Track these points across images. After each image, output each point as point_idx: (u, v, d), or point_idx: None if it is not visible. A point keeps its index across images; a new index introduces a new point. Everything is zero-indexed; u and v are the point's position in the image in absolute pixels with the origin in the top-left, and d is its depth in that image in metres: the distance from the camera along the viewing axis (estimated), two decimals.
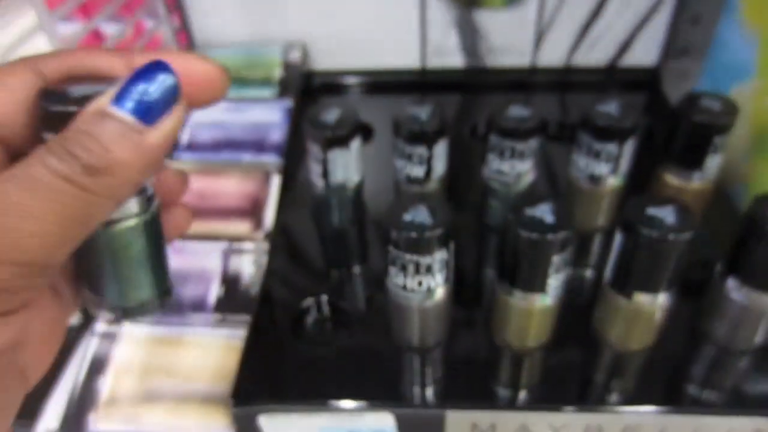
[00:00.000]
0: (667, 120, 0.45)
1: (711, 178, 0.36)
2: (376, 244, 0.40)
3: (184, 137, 0.47)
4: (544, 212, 0.27)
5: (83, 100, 0.15)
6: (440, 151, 0.36)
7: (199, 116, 0.48)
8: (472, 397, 0.30)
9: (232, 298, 0.38)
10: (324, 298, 0.36)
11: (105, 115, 0.15)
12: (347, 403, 0.30)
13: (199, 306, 0.38)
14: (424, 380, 0.31)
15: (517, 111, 0.35)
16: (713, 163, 0.35)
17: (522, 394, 0.31)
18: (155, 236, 0.19)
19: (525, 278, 0.29)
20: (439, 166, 0.37)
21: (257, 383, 0.31)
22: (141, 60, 0.16)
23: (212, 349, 0.36)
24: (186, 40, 0.54)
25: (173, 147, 0.15)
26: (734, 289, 0.30)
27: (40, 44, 0.36)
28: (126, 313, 0.19)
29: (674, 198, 0.28)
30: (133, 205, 0.17)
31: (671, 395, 0.30)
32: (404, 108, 0.36)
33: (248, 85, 0.49)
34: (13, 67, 0.16)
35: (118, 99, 0.15)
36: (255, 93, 0.49)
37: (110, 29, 0.52)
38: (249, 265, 0.40)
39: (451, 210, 0.26)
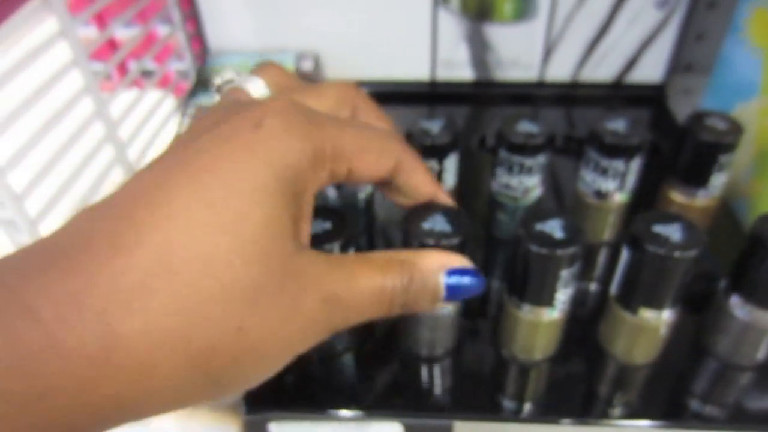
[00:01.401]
0: (673, 137, 0.45)
1: (715, 196, 0.37)
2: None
3: None
4: (554, 227, 0.28)
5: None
6: (451, 164, 0.37)
7: None
8: (479, 407, 0.31)
9: None
10: None
11: (438, 277, 0.21)
12: (356, 412, 0.31)
13: None
14: (432, 390, 0.32)
15: (525, 126, 0.35)
16: (718, 181, 0.36)
17: (528, 406, 0.31)
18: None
19: (533, 292, 0.29)
20: (450, 179, 0.38)
21: (268, 391, 0.32)
22: (443, 197, 0.26)
23: None
24: (200, 46, 0.55)
25: None
26: (737, 307, 0.30)
27: (61, 50, 0.37)
28: None
29: (681, 215, 0.29)
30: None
31: (674, 410, 0.31)
32: (416, 121, 0.36)
33: None
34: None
35: (450, 273, 0.21)
36: None
37: (125, 35, 0.53)
38: None
39: (468, 220, 0.26)
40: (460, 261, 0.22)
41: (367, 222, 0.40)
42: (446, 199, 0.26)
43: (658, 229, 0.28)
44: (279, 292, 0.16)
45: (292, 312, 0.17)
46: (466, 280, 0.22)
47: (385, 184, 0.25)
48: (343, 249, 0.29)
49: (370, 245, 0.41)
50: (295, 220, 0.18)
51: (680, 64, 0.58)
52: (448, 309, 0.31)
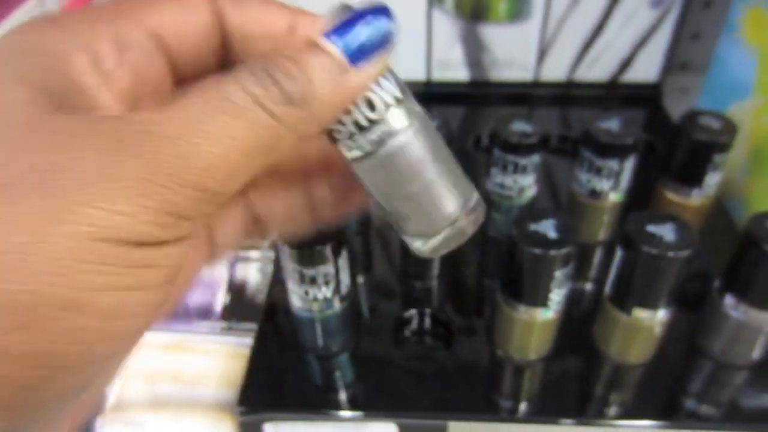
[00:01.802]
0: (668, 136, 0.45)
1: (710, 195, 0.37)
2: (380, 253, 0.41)
3: None
4: (547, 228, 0.28)
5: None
6: None
7: None
8: (474, 407, 0.31)
9: (238, 305, 0.39)
10: None
11: (314, 47, 0.14)
12: (351, 413, 0.31)
13: (205, 313, 0.39)
14: (426, 390, 0.32)
15: (519, 126, 0.35)
16: (712, 180, 0.36)
17: (523, 406, 0.31)
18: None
19: (527, 292, 0.29)
20: None
21: (263, 391, 0.32)
22: (305, 21, 0.16)
23: (218, 356, 0.36)
24: None
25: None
26: (732, 306, 0.30)
27: None
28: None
29: (674, 215, 0.29)
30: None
31: (669, 409, 0.31)
32: None
33: None
34: None
35: (331, 33, 0.14)
36: None
37: None
38: (255, 274, 0.40)
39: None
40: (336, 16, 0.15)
41: (362, 222, 0.40)
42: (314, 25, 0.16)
43: (652, 228, 0.28)
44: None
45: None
46: (359, 21, 0.14)
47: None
48: (336, 252, 0.29)
49: (365, 245, 0.41)
50: (59, 95, 0.13)
51: (675, 63, 0.58)
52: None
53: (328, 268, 0.29)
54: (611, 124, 0.35)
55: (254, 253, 0.41)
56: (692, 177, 0.36)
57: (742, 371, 0.32)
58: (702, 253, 0.38)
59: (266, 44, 0.16)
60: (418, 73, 0.54)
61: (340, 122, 0.16)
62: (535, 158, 0.36)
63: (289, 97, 0.14)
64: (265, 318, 0.36)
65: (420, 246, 0.18)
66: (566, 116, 0.53)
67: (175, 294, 0.16)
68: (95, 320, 0.12)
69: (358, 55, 0.14)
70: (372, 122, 0.16)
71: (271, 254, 0.41)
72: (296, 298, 0.31)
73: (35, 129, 0.12)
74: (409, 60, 0.54)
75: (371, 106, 0.16)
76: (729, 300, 0.30)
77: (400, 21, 0.16)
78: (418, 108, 0.17)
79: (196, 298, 0.39)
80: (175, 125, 0.13)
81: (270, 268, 0.40)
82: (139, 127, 0.13)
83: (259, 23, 0.16)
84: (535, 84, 0.54)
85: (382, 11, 0.15)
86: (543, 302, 0.29)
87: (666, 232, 0.28)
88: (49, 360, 0.12)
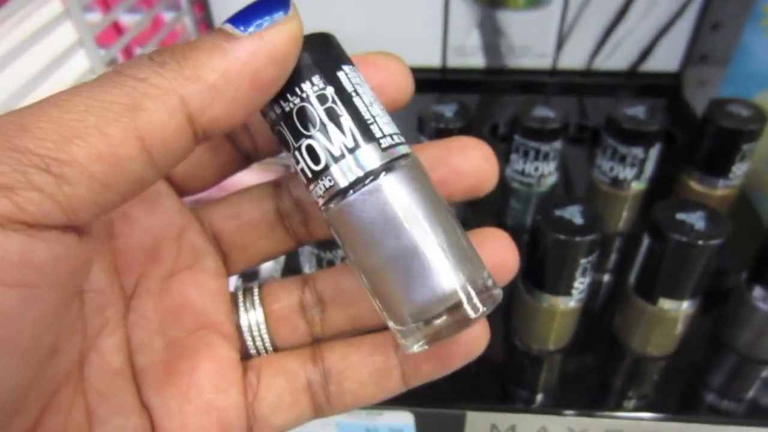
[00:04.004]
0: (690, 127, 0.44)
1: (736, 186, 0.36)
2: None
3: None
4: (573, 214, 0.27)
5: None
6: None
7: None
8: (492, 398, 0.30)
9: None
10: None
11: (209, 30, 0.14)
12: None
13: None
14: (444, 380, 0.31)
15: (542, 112, 0.34)
16: (739, 170, 0.35)
17: (542, 397, 0.30)
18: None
19: (550, 280, 0.28)
20: None
21: None
22: None
23: None
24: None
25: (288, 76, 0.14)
26: (761, 298, 0.30)
27: (66, 32, 0.36)
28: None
29: (704, 203, 0.28)
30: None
31: (692, 403, 0.30)
32: (428, 105, 0.36)
33: None
34: None
35: (228, 19, 0.14)
36: None
37: (131, 21, 0.52)
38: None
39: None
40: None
41: None
42: None
43: (681, 216, 0.27)
44: None
45: None
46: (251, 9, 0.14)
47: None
48: None
49: None
50: None
51: (696, 54, 0.57)
52: None
53: None
54: (636, 111, 0.34)
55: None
56: (718, 166, 0.35)
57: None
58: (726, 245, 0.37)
59: None
60: (433, 60, 0.53)
61: (295, 164, 0.14)
62: (557, 145, 0.35)
63: (155, 60, 0.13)
64: None
65: (403, 340, 0.14)
66: (584, 105, 0.52)
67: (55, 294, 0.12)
68: None
69: (247, 21, 0.13)
70: (315, 174, 0.14)
71: None
72: None
73: None
74: (424, 46, 0.52)
75: (314, 156, 0.14)
76: (758, 292, 0.30)
77: (416, 5, 0.15)
78: (402, 157, 0.14)
79: None
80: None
81: (282, 255, 0.39)
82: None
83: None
84: (553, 72, 0.53)
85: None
86: (566, 291, 0.29)
87: (696, 220, 0.27)
88: None
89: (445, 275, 0.13)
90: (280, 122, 0.14)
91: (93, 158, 0.11)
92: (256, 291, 0.18)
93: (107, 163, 0.12)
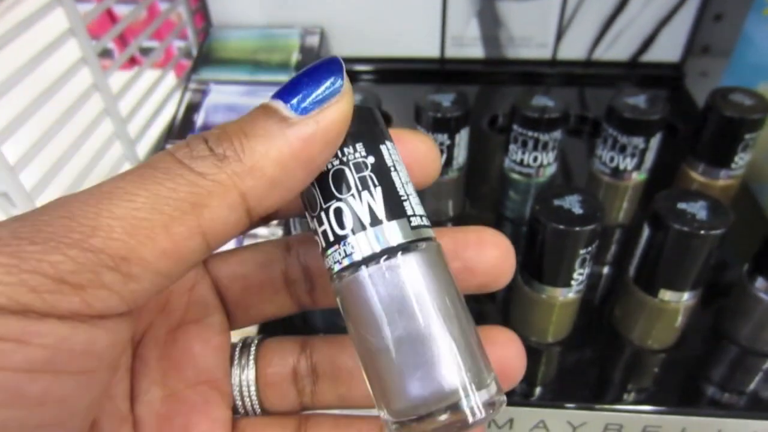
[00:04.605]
0: (691, 117, 0.44)
1: (738, 176, 0.35)
2: None
3: (199, 120, 0.46)
4: (572, 203, 0.27)
5: None
6: (462, 139, 0.35)
7: (214, 99, 0.47)
8: None
9: None
10: None
11: (261, 106, 0.14)
12: None
13: None
14: None
15: (541, 101, 0.34)
16: (742, 160, 0.34)
17: (540, 390, 0.30)
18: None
19: (549, 272, 0.28)
20: (461, 156, 0.36)
21: None
22: None
23: None
24: (202, 22, 0.53)
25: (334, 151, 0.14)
26: (763, 290, 0.29)
27: (57, 19, 0.35)
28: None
29: (705, 193, 0.27)
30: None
31: (692, 396, 0.30)
32: (426, 94, 0.35)
33: (265, 69, 0.49)
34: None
35: (277, 94, 0.13)
36: (271, 77, 0.48)
37: (124, 10, 0.51)
38: None
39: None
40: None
41: None
42: None
43: (683, 206, 0.26)
44: None
45: None
46: (304, 82, 0.13)
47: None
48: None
49: None
50: None
51: (697, 46, 0.56)
52: None
53: None
54: (637, 100, 0.34)
55: (262, 230, 0.40)
56: (720, 156, 0.34)
57: None
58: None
59: None
60: (431, 50, 0.53)
61: (317, 225, 0.14)
62: (557, 134, 0.34)
63: (215, 152, 0.13)
64: None
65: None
66: (584, 96, 0.51)
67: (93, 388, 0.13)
68: None
69: (303, 102, 0.13)
70: (337, 239, 0.14)
71: (279, 231, 0.39)
72: None
73: None
74: (422, 36, 0.52)
75: (340, 220, 0.14)
76: (760, 283, 0.29)
77: None
78: (426, 239, 0.14)
79: None
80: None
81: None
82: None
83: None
84: (553, 62, 0.52)
85: (329, 64, 0.14)
86: (565, 282, 0.28)
87: (698, 210, 0.26)
88: None
89: (449, 370, 0.13)
90: (314, 181, 0.14)
91: (158, 255, 0.12)
92: (253, 349, 0.18)
93: (171, 258, 0.12)
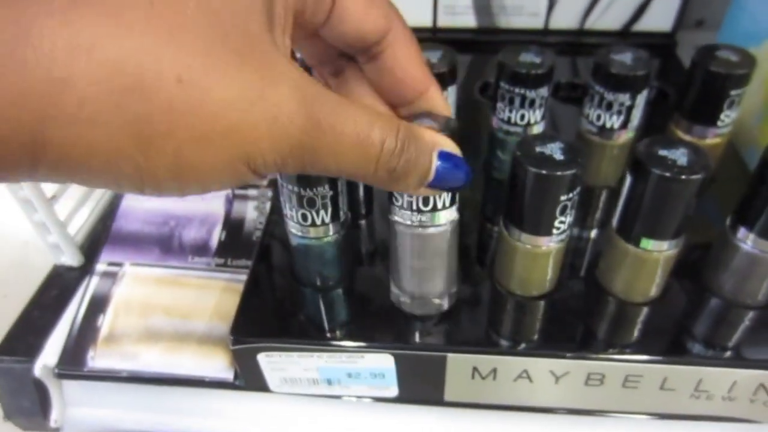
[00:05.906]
0: (682, 83, 0.44)
1: (725, 134, 0.35)
2: (381, 194, 0.39)
3: None
4: (554, 150, 0.27)
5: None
6: (450, 97, 0.35)
7: None
8: (473, 340, 0.30)
9: (234, 242, 0.38)
10: None
11: (432, 155, 0.20)
12: (347, 343, 0.30)
13: (201, 249, 0.38)
14: (425, 323, 0.31)
15: (528, 57, 0.34)
16: (728, 118, 0.34)
17: (523, 340, 0.30)
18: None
19: (530, 219, 0.28)
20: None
21: (257, 322, 0.31)
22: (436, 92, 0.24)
23: (212, 291, 0.36)
24: None
25: None
26: (744, 240, 0.29)
27: None
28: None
29: (687, 141, 0.27)
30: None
31: (674, 346, 0.30)
32: None
33: None
34: None
35: (441, 156, 0.21)
36: None
37: None
38: (252, 211, 0.39)
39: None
40: (453, 146, 0.21)
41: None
42: (439, 96, 0.24)
43: (663, 153, 0.27)
44: (239, 62, 0.15)
45: (252, 89, 0.15)
46: (455, 166, 0.21)
47: (365, 55, 0.23)
48: (333, 200, 0.29)
49: (367, 193, 0.39)
50: (269, 16, 0.16)
51: (691, 19, 0.56)
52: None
53: (327, 191, 0.28)
54: (624, 56, 0.34)
55: (252, 191, 0.40)
56: (707, 114, 0.35)
57: (752, 311, 0.31)
58: (713, 196, 0.36)
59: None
60: (424, 19, 0.53)
61: (403, 197, 0.25)
62: (544, 91, 0.34)
63: (393, 169, 0.19)
64: (261, 251, 0.35)
65: (404, 300, 0.30)
66: (576, 65, 0.51)
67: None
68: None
69: (440, 181, 0.21)
70: (419, 210, 0.25)
71: (269, 192, 0.40)
72: (293, 225, 0.30)
73: (253, 49, 0.16)
74: (414, 4, 0.52)
75: (426, 201, 0.25)
76: (742, 233, 0.29)
77: None
78: (456, 216, 0.26)
79: (192, 234, 0.38)
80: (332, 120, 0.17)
81: (267, 205, 0.39)
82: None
83: (405, 66, 0.24)
84: (545, 31, 0.52)
85: (467, 164, 0.22)
86: (547, 231, 0.28)
87: (679, 156, 0.27)
88: None
89: (439, 283, 0.29)
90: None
91: None
92: None
93: None
